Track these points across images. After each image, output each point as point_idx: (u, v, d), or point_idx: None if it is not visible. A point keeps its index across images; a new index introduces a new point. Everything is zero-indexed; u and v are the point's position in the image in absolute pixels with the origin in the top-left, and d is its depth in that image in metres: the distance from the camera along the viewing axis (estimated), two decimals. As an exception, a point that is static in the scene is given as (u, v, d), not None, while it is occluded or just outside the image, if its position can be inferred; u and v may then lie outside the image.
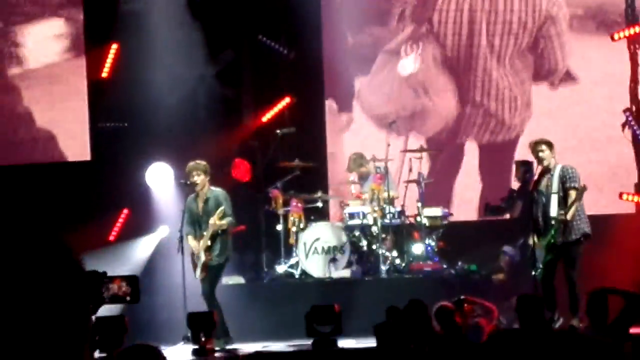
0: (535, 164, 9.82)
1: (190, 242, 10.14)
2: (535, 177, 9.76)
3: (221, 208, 9.95)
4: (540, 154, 9.74)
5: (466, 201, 12.62)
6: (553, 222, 9.60)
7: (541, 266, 9.61)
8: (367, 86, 13.05)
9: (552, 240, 9.59)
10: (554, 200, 9.63)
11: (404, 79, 12.96)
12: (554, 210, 9.62)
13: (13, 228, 1.54)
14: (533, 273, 9.72)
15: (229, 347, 9.81)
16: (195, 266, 10.18)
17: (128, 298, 8.30)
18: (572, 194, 9.62)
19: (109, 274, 10.75)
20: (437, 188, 12.24)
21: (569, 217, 9.54)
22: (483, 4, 12.71)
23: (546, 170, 9.76)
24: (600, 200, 11.81)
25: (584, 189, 9.69)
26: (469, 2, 12.75)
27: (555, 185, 9.65)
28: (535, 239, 9.67)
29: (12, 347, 1.43)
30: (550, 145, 9.84)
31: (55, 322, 1.45)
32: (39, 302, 1.45)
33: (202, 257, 10.03)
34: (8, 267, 1.45)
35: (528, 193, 9.83)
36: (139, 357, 3.16)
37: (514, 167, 10.57)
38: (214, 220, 9.92)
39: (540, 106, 12.63)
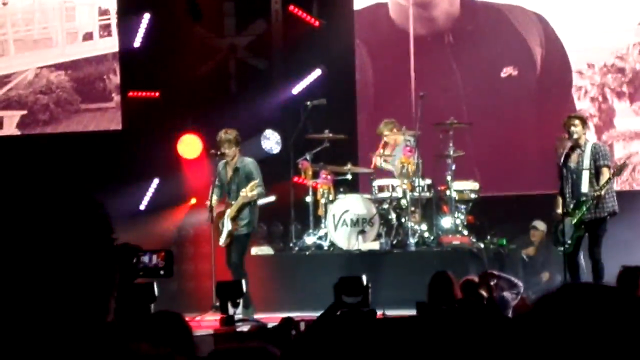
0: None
1: (213, 204, 10.13)
2: (565, 153, 9.69)
3: (254, 182, 9.95)
4: (573, 129, 9.67)
5: (497, 175, 12.55)
6: (584, 198, 9.54)
7: (569, 242, 9.56)
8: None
9: (582, 217, 9.54)
10: (585, 176, 9.57)
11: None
12: (585, 187, 9.56)
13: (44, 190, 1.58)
14: (560, 249, 9.68)
15: (255, 316, 9.86)
16: (219, 233, 10.20)
17: (162, 272, 8.32)
18: (606, 171, 9.55)
19: (140, 242, 10.86)
20: (467, 161, 12.18)
21: (602, 193, 9.49)
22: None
23: (576, 146, 9.69)
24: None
25: (624, 165, 9.66)
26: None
27: (586, 162, 9.58)
28: (563, 214, 9.62)
29: (40, 292, 1.45)
30: (584, 121, 9.79)
31: (82, 267, 1.49)
32: (66, 250, 1.48)
33: (229, 226, 10.05)
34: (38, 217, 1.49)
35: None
36: (163, 324, 3.18)
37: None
38: (245, 192, 9.94)
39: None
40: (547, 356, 1.45)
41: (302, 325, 6.97)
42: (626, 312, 1.45)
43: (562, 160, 9.65)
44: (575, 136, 9.66)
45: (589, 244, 9.62)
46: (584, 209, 9.53)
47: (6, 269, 1.45)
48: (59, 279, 1.46)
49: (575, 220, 9.57)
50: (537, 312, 1.51)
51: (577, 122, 9.72)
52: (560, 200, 9.72)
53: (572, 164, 9.67)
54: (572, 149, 9.70)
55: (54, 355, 1.44)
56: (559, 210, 9.70)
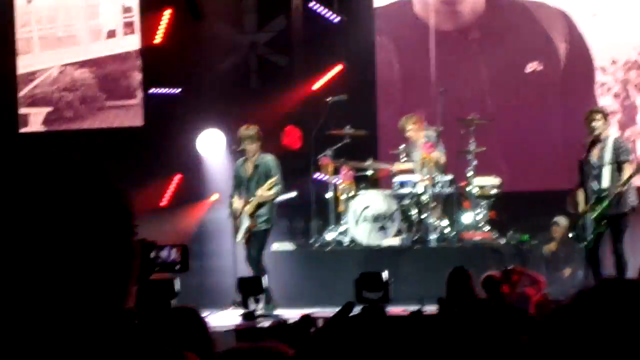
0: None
1: (234, 203, 10.17)
2: (586, 147, 9.63)
3: (272, 179, 9.97)
4: (594, 123, 9.61)
5: (520, 170, 12.52)
6: (605, 193, 9.49)
7: (591, 236, 9.51)
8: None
9: (603, 212, 9.48)
10: (607, 171, 9.51)
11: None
12: (606, 182, 9.50)
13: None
14: (583, 244, 9.63)
15: (275, 312, 9.89)
16: (237, 229, 10.23)
17: (177, 267, 8.35)
18: (627, 167, 9.48)
19: (161, 238, 10.90)
20: (489, 157, 12.13)
21: (624, 189, 9.43)
22: None
23: (597, 140, 9.63)
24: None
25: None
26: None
27: (608, 156, 9.51)
28: (585, 210, 9.57)
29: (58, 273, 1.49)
30: (605, 115, 9.72)
31: (101, 250, 1.53)
32: (85, 233, 1.52)
33: (247, 222, 10.07)
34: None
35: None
36: (179, 319, 3.19)
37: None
38: (262, 191, 9.96)
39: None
40: (590, 354, 1.44)
41: (321, 322, 6.98)
42: None
43: (583, 155, 9.61)
44: (596, 131, 9.60)
45: (612, 239, 9.57)
46: (605, 204, 9.47)
47: (28, 256, 1.49)
48: (79, 264, 1.50)
49: (595, 215, 9.52)
50: (576, 308, 1.49)
51: (598, 116, 9.66)
52: (579, 195, 9.67)
53: (594, 158, 9.61)
54: (593, 143, 9.64)
55: (72, 341, 1.48)
56: (581, 206, 9.65)
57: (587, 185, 9.61)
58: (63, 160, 1.63)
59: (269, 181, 9.98)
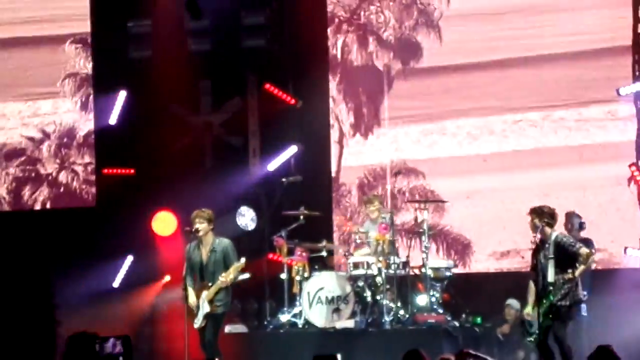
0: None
1: (190, 297, 9.98)
2: (534, 245, 9.71)
3: (236, 264, 9.86)
4: (534, 222, 9.69)
5: (461, 247, 12.62)
6: (551, 288, 9.57)
7: (536, 331, 9.54)
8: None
9: (549, 304, 9.56)
10: (551, 266, 9.61)
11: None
12: (551, 277, 9.60)
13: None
14: (529, 339, 9.68)
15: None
16: (193, 316, 10.08)
17: (121, 358, 8.21)
18: (582, 252, 9.58)
19: (113, 320, 10.76)
20: (444, 238, 12.24)
21: (575, 274, 9.53)
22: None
23: (544, 240, 9.71)
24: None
25: (590, 254, 9.67)
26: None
27: (550, 252, 9.61)
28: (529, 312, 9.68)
29: None
30: (542, 215, 9.77)
31: None
32: None
33: (206, 308, 9.91)
34: None
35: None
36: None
37: (565, 218, 10.72)
38: (225, 277, 9.84)
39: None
40: None
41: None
42: None
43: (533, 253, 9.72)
44: (538, 233, 9.67)
45: (554, 328, 9.61)
46: (551, 297, 9.55)
47: None
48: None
49: (543, 309, 9.57)
50: None
51: (534, 216, 9.72)
52: (531, 290, 9.73)
53: (542, 254, 9.70)
54: (542, 241, 9.70)
55: None
56: (528, 307, 9.70)
57: (537, 279, 9.69)
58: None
59: (233, 266, 9.85)
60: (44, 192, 13.28)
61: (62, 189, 13.28)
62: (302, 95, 13.11)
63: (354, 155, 13.24)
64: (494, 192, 12.59)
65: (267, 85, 12.98)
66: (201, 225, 10.01)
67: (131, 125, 12.60)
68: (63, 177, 13.30)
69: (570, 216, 10.98)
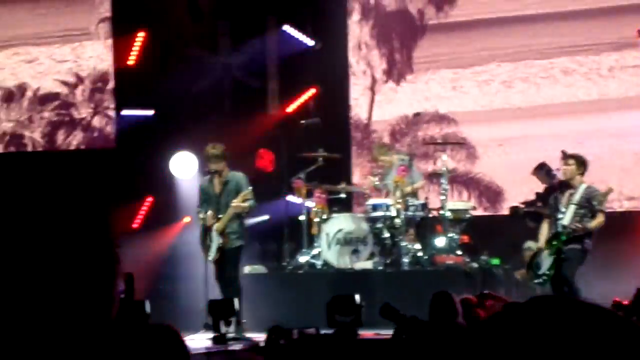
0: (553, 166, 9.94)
1: (206, 217, 10.03)
2: (558, 186, 9.74)
3: (245, 191, 9.92)
4: (565, 167, 9.76)
5: (493, 194, 12.57)
6: (566, 230, 9.63)
7: (546, 273, 9.62)
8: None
9: (560, 246, 9.61)
10: (571, 211, 9.64)
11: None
12: (567, 220, 9.64)
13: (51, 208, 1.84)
14: (537, 281, 9.76)
15: (247, 335, 9.82)
16: (207, 249, 10.13)
17: (122, 296, 8.29)
18: (600, 215, 9.62)
19: (133, 261, 10.82)
20: (463, 180, 12.19)
21: (591, 225, 9.58)
22: None
23: (566, 184, 9.74)
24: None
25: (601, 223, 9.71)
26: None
27: (576, 199, 9.65)
28: (541, 247, 9.75)
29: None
30: (579, 162, 9.80)
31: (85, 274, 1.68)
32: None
33: (218, 240, 9.98)
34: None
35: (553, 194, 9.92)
36: (160, 337, 3.15)
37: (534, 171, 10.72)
38: (237, 202, 9.89)
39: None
40: None
41: (295, 334, 6.94)
42: (591, 327, 1.44)
43: (552, 193, 9.76)
44: (566, 176, 9.72)
45: (564, 270, 9.70)
46: (563, 238, 9.61)
47: (19, 266, 1.62)
48: (66, 273, 1.65)
49: (552, 250, 9.64)
50: (501, 320, 1.50)
51: (571, 161, 9.77)
52: (543, 228, 9.80)
53: (562, 199, 9.72)
54: (564, 185, 9.75)
55: (65, 343, 1.61)
56: (540, 241, 9.78)
57: (551, 221, 9.73)
58: (49, 182, 1.82)
59: (243, 193, 9.92)
60: (78, 137, 13.31)
61: (96, 134, 13.30)
62: (321, 37, 13.03)
63: (385, 103, 13.14)
64: (527, 140, 12.50)
65: (286, 27, 12.89)
66: (218, 165, 10.05)
67: (150, 67, 12.56)
68: (97, 121, 13.32)
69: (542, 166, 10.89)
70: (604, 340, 1.40)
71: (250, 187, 9.99)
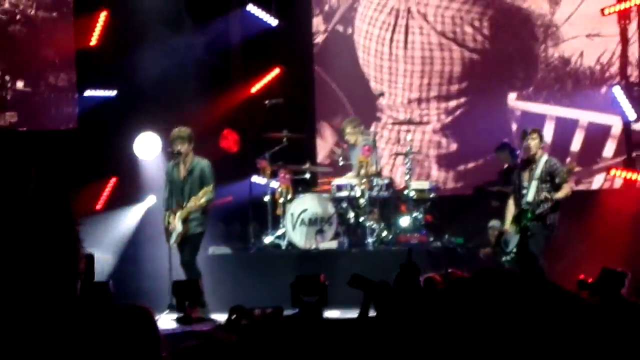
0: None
1: (170, 220, 10.06)
2: (520, 164, 9.78)
3: (206, 189, 9.88)
4: (529, 142, 9.80)
5: (457, 174, 12.63)
6: (529, 207, 9.68)
7: (514, 250, 9.69)
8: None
9: (526, 224, 9.66)
10: (534, 187, 9.70)
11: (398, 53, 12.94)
12: (531, 196, 9.70)
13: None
14: (504, 259, 9.83)
15: (212, 316, 9.82)
16: (169, 235, 10.16)
17: (82, 276, 8.24)
18: (565, 187, 9.68)
19: (96, 242, 10.77)
20: (426, 160, 12.22)
21: (547, 206, 9.64)
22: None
23: (531, 159, 9.81)
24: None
25: (570, 171, 9.76)
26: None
27: (537, 174, 9.70)
28: (508, 228, 9.81)
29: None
30: (541, 136, 9.92)
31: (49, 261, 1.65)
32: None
33: (180, 227, 9.98)
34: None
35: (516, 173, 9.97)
36: (130, 317, 3.14)
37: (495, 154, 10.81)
38: (194, 201, 9.88)
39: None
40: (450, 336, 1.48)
41: (257, 313, 6.94)
42: (531, 300, 1.47)
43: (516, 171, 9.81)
44: (531, 151, 9.79)
45: (531, 247, 9.77)
46: (529, 216, 9.66)
47: None
48: (28, 252, 1.65)
49: (518, 228, 9.70)
50: (449, 292, 1.53)
51: (534, 135, 9.84)
52: (509, 208, 9.86)
53: (525, 175, 9.78)
54: (527, 161, 9.80)
55: (29, 320, 1.58)
56: (507, 222, 9.85)
57: (516, 199, 9.80)
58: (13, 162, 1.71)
59: (203, 190, 9.89)
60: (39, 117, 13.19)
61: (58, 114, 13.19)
62: (285, 16, 12.97)
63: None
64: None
65: (250, 6, 12.82)
66: (182, 147, 10.01)
67: (112, 47, 12.44)
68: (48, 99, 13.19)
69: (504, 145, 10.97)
70: (541, 311, 1.43)
71: (212, 183, 9.93)
